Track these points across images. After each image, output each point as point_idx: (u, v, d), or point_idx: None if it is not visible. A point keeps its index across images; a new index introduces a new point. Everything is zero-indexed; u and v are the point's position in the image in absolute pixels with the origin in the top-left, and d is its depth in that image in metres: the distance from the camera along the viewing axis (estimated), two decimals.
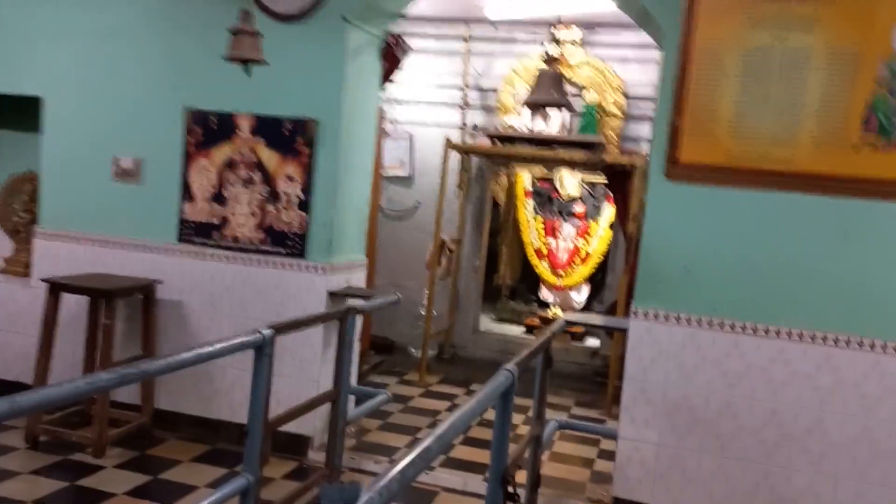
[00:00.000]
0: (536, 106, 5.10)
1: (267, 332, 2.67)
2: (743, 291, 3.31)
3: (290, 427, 3.54)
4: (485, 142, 5.91)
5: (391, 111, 6.51)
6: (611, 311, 5.96)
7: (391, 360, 6.18)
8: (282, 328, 2.80)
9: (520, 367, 2.45)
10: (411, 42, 6.55)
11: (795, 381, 3.23)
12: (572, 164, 5.85)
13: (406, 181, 6.49)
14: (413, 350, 6.13)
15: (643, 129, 5.88)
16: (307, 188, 3.95)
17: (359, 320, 4.20)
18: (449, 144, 5.58)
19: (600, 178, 7.64)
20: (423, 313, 6.08)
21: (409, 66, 6.38)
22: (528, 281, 7.84)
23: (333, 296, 4.00)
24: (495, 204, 8.04)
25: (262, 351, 2.68)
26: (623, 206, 5.77)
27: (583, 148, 5.35)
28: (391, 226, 6.54)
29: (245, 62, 3.33)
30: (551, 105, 5.01)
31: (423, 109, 6.45)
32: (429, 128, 6.44)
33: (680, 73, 3.34)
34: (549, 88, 4.90)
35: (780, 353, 3.27)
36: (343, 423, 3.56)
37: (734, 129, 3.29)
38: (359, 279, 4.37)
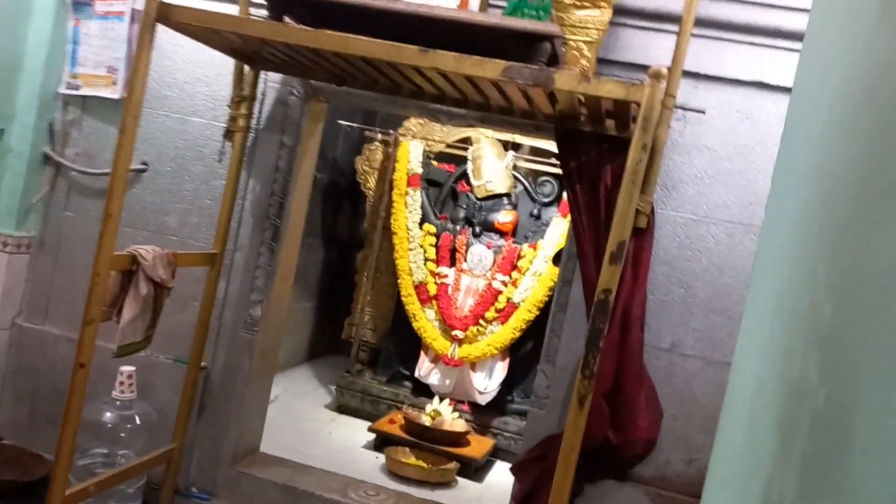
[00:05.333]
0: None
1: None
2: None
3: None
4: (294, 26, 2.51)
5: None
6: (539, 458, 2.66)
7: None
8: None
9: None
10: None
11: None
12: (480, 108, 2.54)
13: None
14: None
15: (656, 45, 2.61)
16: None
17: None
18: (155, 9, 2.18)
19: (549, 164, 4.37)
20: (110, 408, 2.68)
21: None
22: (404, 340, 4.49)
23: None
24: (361, 194, 4.72)
25: None
26: (591, 219, 2.51)
27: (506, 49, 2.06)
28: (83, 207, 3.11)
29: None
30: None
31: None
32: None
33: None
34: None
35: None
36: None
37: None
38: None
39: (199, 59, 3.00)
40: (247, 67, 2.80)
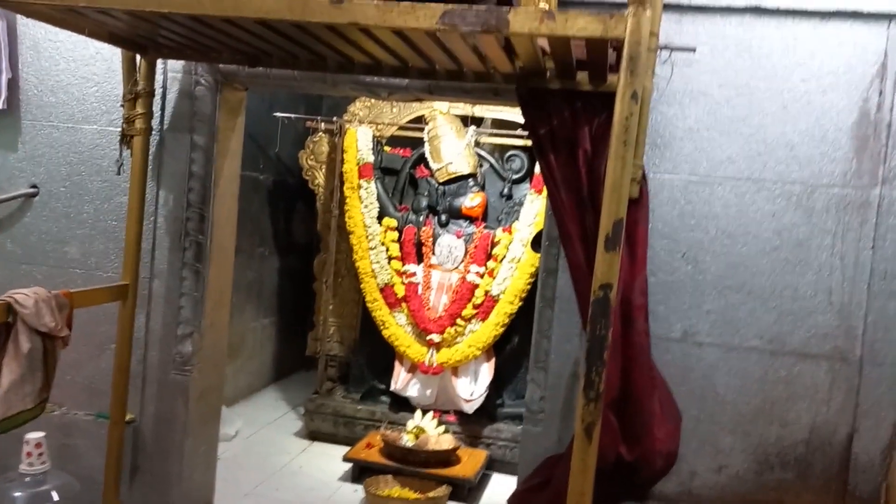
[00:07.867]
0: None
1: None
2: None
3: None
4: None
5: None
6: (540, 486, 2.26)
7: None
8: None
9: None
10: None
11: None
12: (423, 76, 2.11)
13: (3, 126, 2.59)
14: None
15: None
16: None
17: None
18: None
19: (516, 136, 3.95)
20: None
21: None
22: (376, 350, 4.05)
23: None
24: (311, 193, 4.28)
25: None
26: (571, 194, 2.10)
27: None
28: None
29: None
30: None
31: None
32: None
33: None
34: None
35: None
36: None
37: None
38: None
39: (84, 54, 2.53)
40: (139, 57, 2.33)
